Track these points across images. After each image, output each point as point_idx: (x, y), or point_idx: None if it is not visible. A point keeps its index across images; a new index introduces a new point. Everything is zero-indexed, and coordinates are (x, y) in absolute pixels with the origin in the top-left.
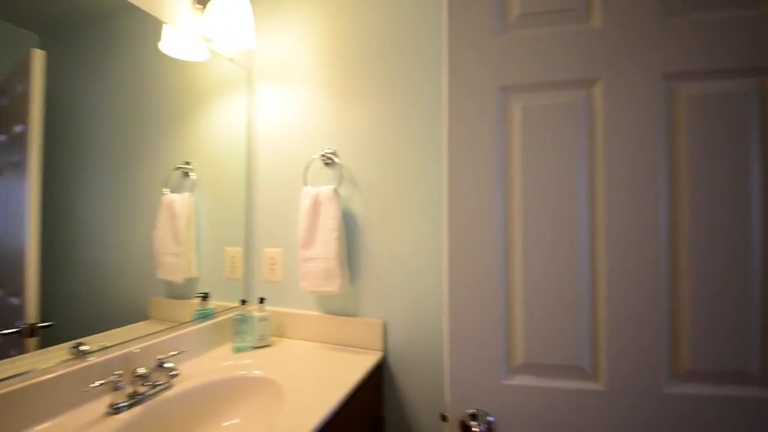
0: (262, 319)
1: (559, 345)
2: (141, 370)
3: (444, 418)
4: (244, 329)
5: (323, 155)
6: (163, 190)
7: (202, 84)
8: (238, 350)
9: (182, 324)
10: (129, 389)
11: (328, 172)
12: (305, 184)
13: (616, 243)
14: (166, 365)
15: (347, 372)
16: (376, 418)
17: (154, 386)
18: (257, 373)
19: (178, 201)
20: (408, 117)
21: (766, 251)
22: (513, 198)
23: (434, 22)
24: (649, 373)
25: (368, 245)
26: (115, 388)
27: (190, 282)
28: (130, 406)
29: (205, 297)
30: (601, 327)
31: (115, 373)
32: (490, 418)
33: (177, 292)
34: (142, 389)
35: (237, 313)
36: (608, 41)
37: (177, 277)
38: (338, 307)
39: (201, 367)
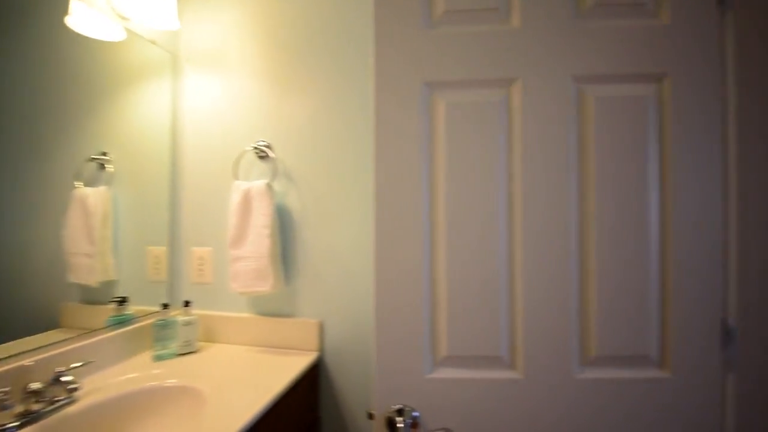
0: (187, 323)
1: (480, 337)
2: (35, 386)
3: (370, 416)
4: (167, 335)
5: (256, 148)
6: (75, 183)
7: (120, 67)
8: (159, 358)
9: (93, 332)
10: (19, 408)
11: (261, 165)
12: (236, 178)
13: (532, 239)
14: (63, 379)
15: (279, 374)
16: (313, 418)
17: (51, 403)
18: (172, 382)
19: (92, 196)
20: (346, 109)
21: (663, 245)
22: (438, 195)
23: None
24: (562, 360)
25: (304, 243)
26: (1, 407)
27: (109, 285)
28: (20, 427)
29: (122, 301)
30: (519, 318)
31: (0, 390)
32: (415, 413)
33: (94, 296)
34: (36, 407)
35: (158, 318)
36: (526, 42)
37: (91, 281)
38: (273, 308)
39: (112, 379)
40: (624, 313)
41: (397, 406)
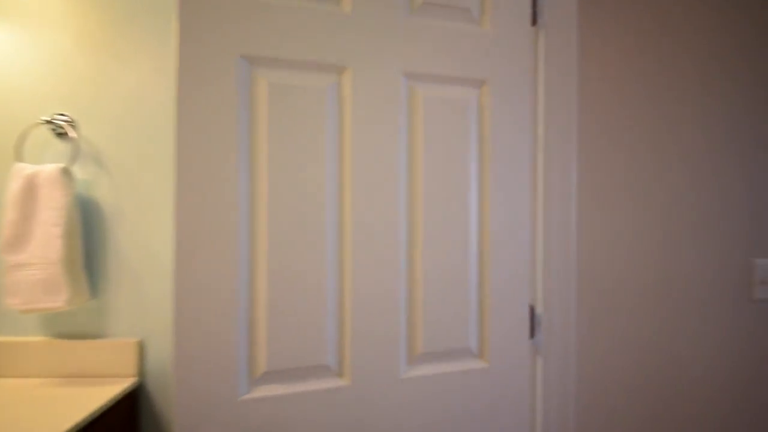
0: None
1: (306, 345)
2: None
3: None
4: None
5: (52, 122)
6: None
7: None
8: None
9: None
10: None
11: (59, 146)
12: (19, 160)
13: (362, 238)
14: None
15: (71, 413)
16: None
17: None
18: None
19: None
20: None
21: (481, 242)
22: (259, 189)
23: None
24: (389, 361)
25: (119, 245)
26: None
27: None
28: None
29: None
30: (347, 322)
31: None
32: None
33: None
34: None
35: None
36: (357, 30)
37: None
38: (76, 328)
39: None
40: (448, 309)
41: None
